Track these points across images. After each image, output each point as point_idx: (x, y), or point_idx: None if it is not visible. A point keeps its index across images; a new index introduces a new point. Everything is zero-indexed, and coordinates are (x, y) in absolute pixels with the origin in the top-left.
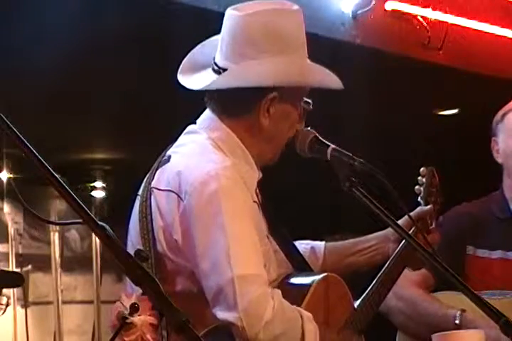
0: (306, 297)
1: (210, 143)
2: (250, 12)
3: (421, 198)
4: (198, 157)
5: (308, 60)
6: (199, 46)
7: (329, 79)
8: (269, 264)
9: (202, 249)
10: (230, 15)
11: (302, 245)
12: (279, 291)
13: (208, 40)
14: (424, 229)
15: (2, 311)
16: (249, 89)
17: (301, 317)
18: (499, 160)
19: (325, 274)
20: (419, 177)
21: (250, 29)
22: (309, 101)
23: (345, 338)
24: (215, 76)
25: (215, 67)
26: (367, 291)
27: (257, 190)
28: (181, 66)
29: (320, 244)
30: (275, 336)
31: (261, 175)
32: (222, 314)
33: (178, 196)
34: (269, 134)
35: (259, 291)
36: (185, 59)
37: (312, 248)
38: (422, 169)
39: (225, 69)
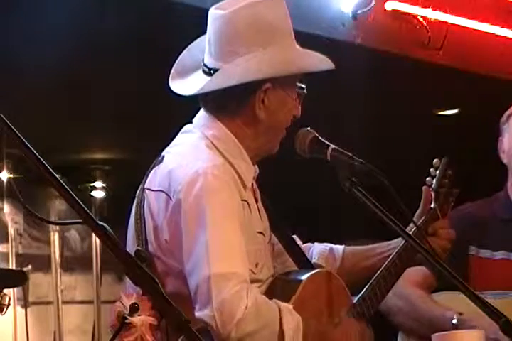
0: (297, 290)
1: (204, 142)
2: (233, 9)
3: (432, 190)
4: (189, 156)
5: (297, 46)
6: (186, 50)
7: (319, 62)
8: (263, 263)
9: (187, 248)
10: (214, 14)
11: (321, 246)
12: (255, 288)
13: (193, 43)
14: (433, 219)
15: (5, 310)
16: (242, 85)
17: (280, 309)
18: (504, 160)
19: (318, 270)
20: (431, 169)
21: (236, 26)
22: (303, 86)
23: (345, 330)
24: (206, 78)
25: (206, 69)
26: (366, 287)
27: (254, 186)
28: (171, 73)
29: (339, 247)
30: (247, 333)
31: (258, 171)
32: (197, 313)
33: (168, 195)
34: (267, 125)
35: (234, 289)
36: (174, 65)
37: (331, 249)
38: (435, 160)
39: (216, 70)
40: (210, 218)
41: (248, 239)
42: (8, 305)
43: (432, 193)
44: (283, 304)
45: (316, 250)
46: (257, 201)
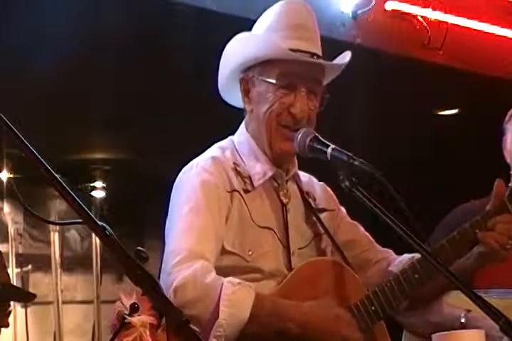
0: (292, 272)
1: (221, 144)
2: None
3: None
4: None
5: (302, 43)
6: None
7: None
8: (261, 253)
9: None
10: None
11: (406, 254)
12: (201, 262)
13: None
14: (498, 212)
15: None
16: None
17: (222, 283)
18: (508, 159)
19: (319, 258)
20: None
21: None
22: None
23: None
24: None
25: None
26: (384, 283)
27: (288, 186)
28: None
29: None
30: (187, 301)
31: (291, 172)
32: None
33: None
34: (257, 118)
35: (178, 263)
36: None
37: (413, 257)
38: None
39: None
40: (180, 203)
41: (235, 226)
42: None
43: (509, 187)
44: (230, 279)
45: (399, 258)
46: (287, 200)
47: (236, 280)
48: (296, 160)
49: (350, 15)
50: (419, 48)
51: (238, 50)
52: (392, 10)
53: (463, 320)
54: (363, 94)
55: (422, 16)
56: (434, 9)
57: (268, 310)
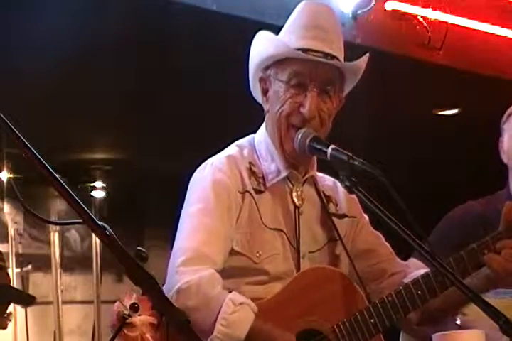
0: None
1: (239, 142)
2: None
3: None
4: None
5: (316, 43)
6: None
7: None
8: (271, 255)
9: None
10: None
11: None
12: (211, 271)
13: None
14: (508, 235)
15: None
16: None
17: (224, 297)
18: (505, 160)
19: (319, 266)
20: None
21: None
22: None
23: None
24: None
25: None
26: (384, 297)
27: (303, 189)
28: None
29: None
30: (187, 307)
31: (310, 174)
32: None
33: None
34: (272, 118)
35: (182, 264)
36: None
37: None
38: None
39: None
40: (191, 202)
41: (245, 227)
42: (9, 315)
43: None
44: (232, 296)
45: (414, 273)
46: (300, 203)
47: (240, 298)
48: (315, 163)
49: (350, 15)
50: (419, 48)
51: (256, 50)
52: (392, 10)
53: (458, 322)
54: (362, 94)
55: (422, 16)
56: (434, 9)
57: (263, 337)
